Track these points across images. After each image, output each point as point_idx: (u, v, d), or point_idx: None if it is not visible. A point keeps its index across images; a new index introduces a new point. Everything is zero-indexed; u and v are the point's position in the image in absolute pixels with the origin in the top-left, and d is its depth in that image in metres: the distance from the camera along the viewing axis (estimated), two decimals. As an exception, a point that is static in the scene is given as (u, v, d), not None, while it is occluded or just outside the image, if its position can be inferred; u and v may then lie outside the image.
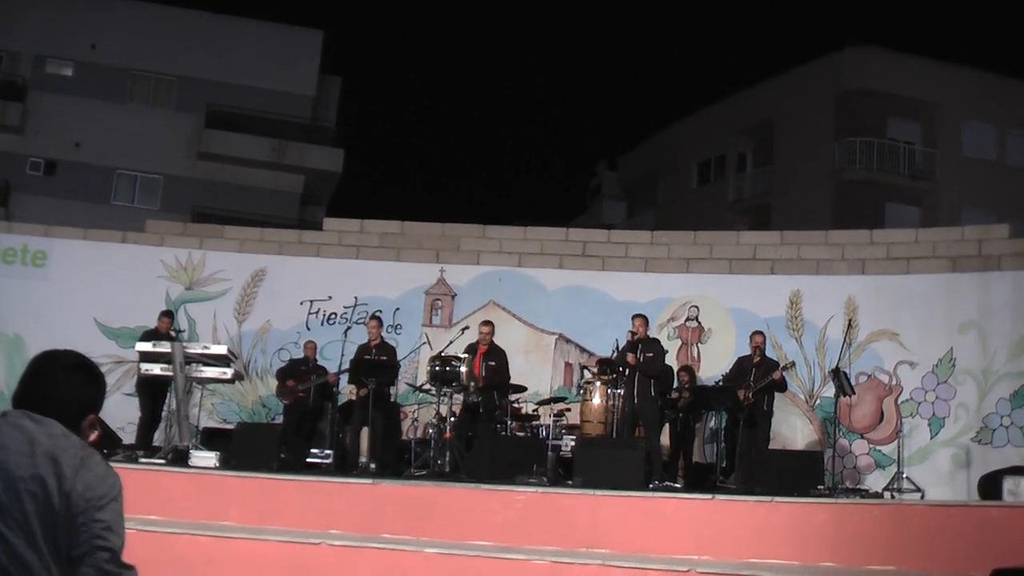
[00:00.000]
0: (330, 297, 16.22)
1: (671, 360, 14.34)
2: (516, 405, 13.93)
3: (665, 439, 13.80)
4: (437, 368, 12.26)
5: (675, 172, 39.29)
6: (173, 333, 13.99)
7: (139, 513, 9.64)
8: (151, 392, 13.58)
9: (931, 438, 14.31)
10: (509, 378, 13.26)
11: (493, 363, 13.03)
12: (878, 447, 14.56)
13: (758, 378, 12.80)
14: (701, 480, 13.18)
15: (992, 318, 14.33)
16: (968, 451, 14.06)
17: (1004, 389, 14.05)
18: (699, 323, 15.63)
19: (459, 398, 12.72)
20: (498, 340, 13.60)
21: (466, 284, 16.20)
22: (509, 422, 13.45)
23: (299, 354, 15.07)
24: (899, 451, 13.60)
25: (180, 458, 11.93)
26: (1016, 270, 14.40)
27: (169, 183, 32.93)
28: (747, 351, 13.55)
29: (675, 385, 13.90)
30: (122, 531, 3.08)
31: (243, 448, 12.12)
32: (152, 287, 16.15)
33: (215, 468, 11.42)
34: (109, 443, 12.86)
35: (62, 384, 3.17)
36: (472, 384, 12.51)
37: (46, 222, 18.03)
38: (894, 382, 14.65)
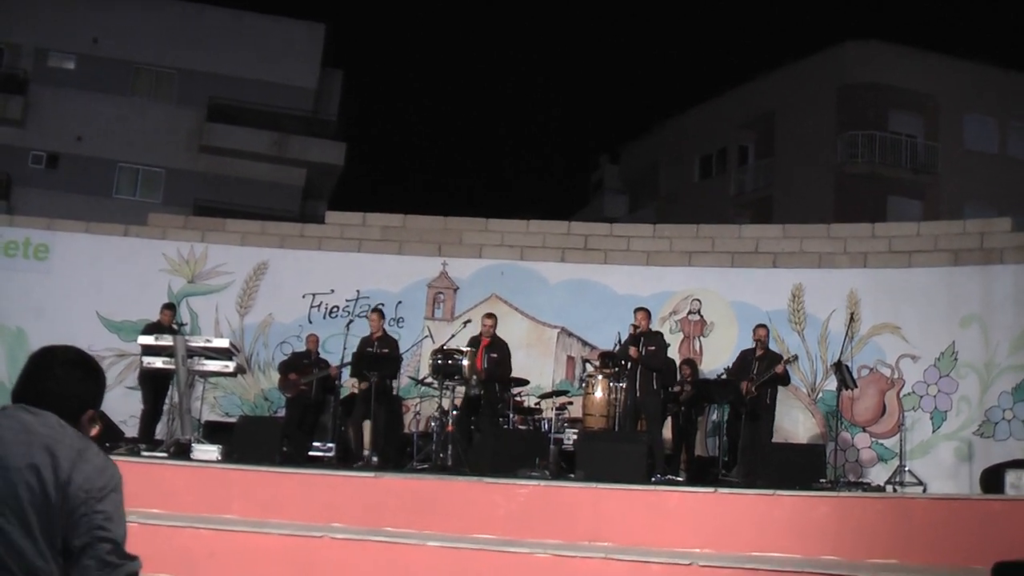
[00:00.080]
0: (332, 290, 16.23)
1: (673, 353, 14.34)
2: (518, 399, 13.95)
3: (667, 432, 13.81)
4: (439, 361, 12.26)
5: (677, 165, 39.29)
6: (175, 326, 14.01)
7: (141, 506, 9.65)
8: (153, 385, 13.59)
9: (933, 432, 14.32)
10: (511, 370, 13.27)
11: (495, 355, 13.04)
12: (880, 440, 14.57)
13: (761, 371, 12.79)
14: (703, 473, 13.20)
15: (994, 311, 14.33)
16: (970, 444, 14.07)
17: (1006, 382, 14.06)
18: (701, 316, 15.63)
19: (461, 391, 12.74)
20: (500, 334, 13.60)
21: (468, 277, 16.20)
22: (511, 415, 13.45)
23: (301, 347, 15.06)
24: (901, 444, 13.60)
25: (182, 451, 11.94)
26: (1018, 263, 14.39)
27: (171, 176, 32.91)
28: (749, 344, 13.55)
29: (677, 379, 13.90)
30: (123, 522, 3.08)
31: (245, 441, 12.13)
32: (154, 280, 16.15)
33: (217, 461, 11.43)
34: (111, 437, 12.88)
35: (61, 380, 3.17)
36: (474, 377, 12.51)
37: (48, 215, 18.04)
38: (896, 375, 14.66)
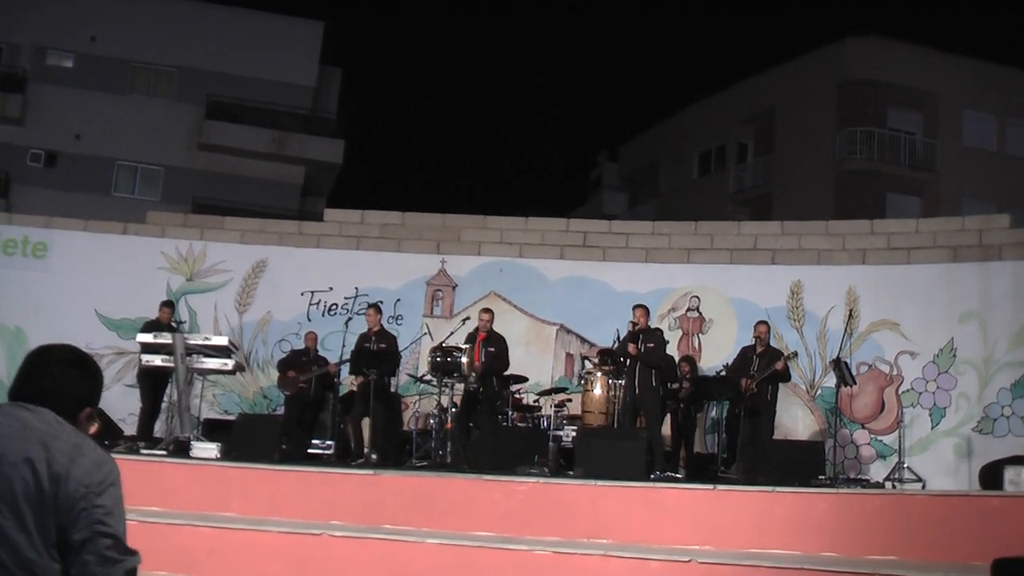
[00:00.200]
0: (331, 288, 16.22)
1: (672, 350, 14.35)
2: (517, 396, 13.95)
3: (666, 429, 13.81)
4: (438, 359, 12.25)
5: (676, 162, 39.28)
6: (174, 324, 14.01)
7: (140, 504, 9.65)
8: (152, 383, 13.58)
9: (932, 428, 14.32)
10: (508, 364, 13.27)
11: (492, 349, 13.04)
12: (879, 437, 14.57)
13: (761, 368, 12.79)
14: (702, 470, 13.20)
15: (993, 308, 14.34)
16: (969, 441, 14.07)
17: (1005, 379, 14.06)
18: (700, 313, 15.63)
19: (460, 389, 12.74)
20: (499, 330, 13.60)
21: (467, 275, 16.20)
22: (510, 413, 13.46)
23: (300, 345, 15.07)
24: (900, 441, 13.61)
25: (181, 449, 11.94)
26: (1017, 260, 14.40)
27: (170, 174, 32.92)
28: (748, 341, 13.55)
29: (676, 376, 13.90)
30: (123, 516, 3.08)
31: (244, 439, 12.13)
32: (153, 278, 16.15)
33: (216, 459, 11.43)
34: (110, 434, 12.90)
35: (58, 379, 3.18)
36: (472, 373, 12.52)
37: (47, 214, 18.03)
38: (895, 372, 14.66)
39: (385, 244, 16.49)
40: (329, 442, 13.40)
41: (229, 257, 16.41)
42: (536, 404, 14.21)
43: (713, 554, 8.98)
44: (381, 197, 60.44)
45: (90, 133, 32.04)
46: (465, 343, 12.76)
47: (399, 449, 13.49)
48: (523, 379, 14.04)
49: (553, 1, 78.01)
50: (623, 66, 78.61)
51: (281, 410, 14.86)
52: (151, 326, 13.71)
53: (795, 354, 13.71)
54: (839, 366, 12.85)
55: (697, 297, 15.64)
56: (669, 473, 12.18)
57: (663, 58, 75.95)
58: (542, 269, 16.09)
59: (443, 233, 16.58)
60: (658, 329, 13.42)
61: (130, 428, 13.94)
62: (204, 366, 12.87)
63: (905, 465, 13.11)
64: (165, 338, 12.76)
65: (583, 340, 15.73)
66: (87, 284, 16.08)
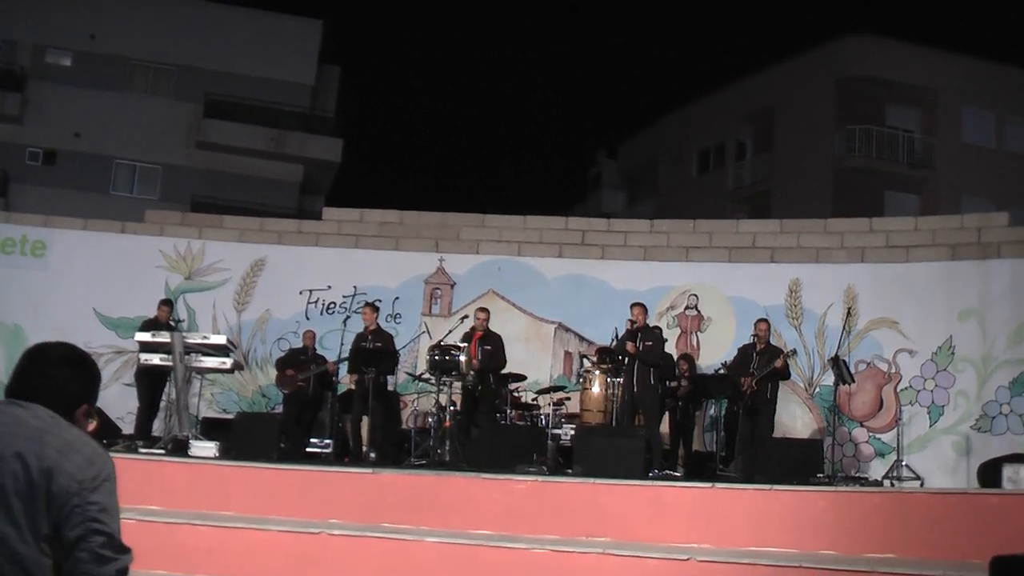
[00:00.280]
0: (329, 286, 16.22)
1: (671, 349, 14.35)
2: (516, 394, 13.95)
3: (665, 428, 13.82)
4: (436, 357, 12.26)
5: (675, 160, 39.27)
6: (172, 323, 14.00)
7: (139, 503, 9.66)
8: (150, 382, 13.57)
9: (930, 426, 14.33)
10: (505, 362, 13.28)
11: (489, 347, 13.05)
12: (878, 435, 14.58)
13: (761, 366, 12.79)
14: (701, 468, 13.20)
15: (991, 306, 14.34)
16: (968, 439, 14.08)
17: (1003, 377, 14.07)
18: (698, 311, 15.63)
19: (459, 387, 12.75)
20: (498, 329, 13.61)
21: (465, 273, 16.19)
22: (509, 411, 13.46)
23: (298, 343, 15.08)
24: (898, 439, 13.61)
25: (180, 448, 11.94)
26: (1015, 258, 14.40)
27: (168, 173, 32.93)
28: (747, 339, 13.56)
29: (675, 374, 13.90)
30: (117, 513, 3.08)
31: (243, 438, 12.13)
32: (151, 277, 16.14)
33: (215, 458, 11.42)
34: (108, 433, 12.88)
35: (52, 377, 3.18)
36: (471, 372, 12.54)
37: (45, 212, 18.05)
38: (893, 370, 14.66)
39: (383, 243, 16.49)
40: (328, 441, 13.39)
41: (227, 256, 16.41)
42: (535, 402, 14.20)
43: (711, 552, 8.98)
44: (380, 196, 60.43)
45: (89, 131, 32.05)
46: (462, 343, 12.77)
47: (398, 448, 13.49)
48: (522, 377, 14.04)
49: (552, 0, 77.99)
50: (622, 64, 78.66)
51: (280, 409, 14.85)
52: (149, 325, 13.71)
53: (794, 352, 13.72)
54: (838, 364, 12.85)
55: (696, 295, 15.64)
56: (667, 471, 12.17)
57: (662, 56, 75.96)
58: (540, 267, 16.09)
59: (442, 231, 16.57)
60: (657, 327, 13.42)
61: (128, 427, 13.93)
62: (202, 365, 12.86)
63: (903, 463, 13.11)
64: (163, 337, 12.76)
65: (582, 338, 15.73)
66: (86, 283, 16.07)
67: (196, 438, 12.21)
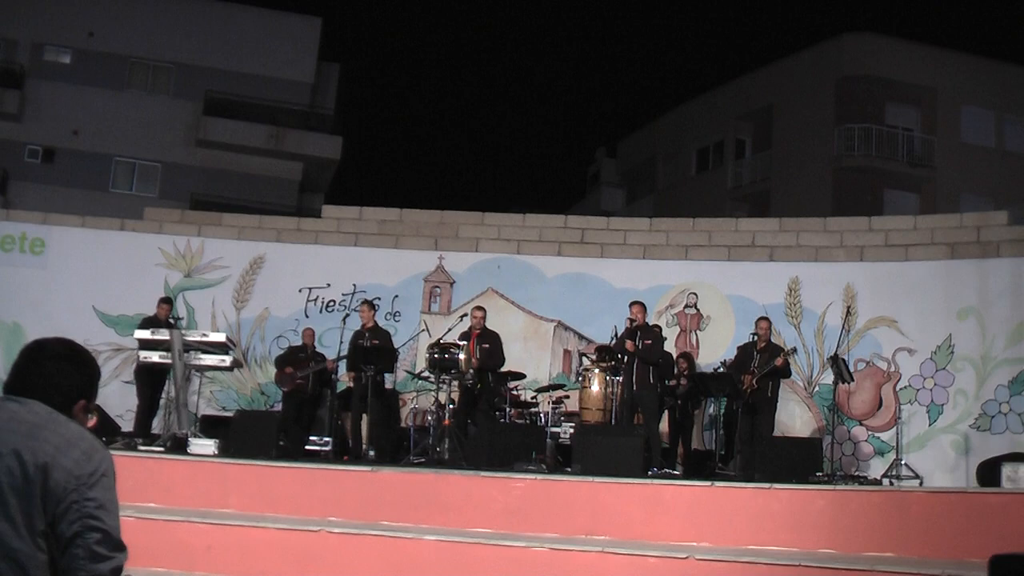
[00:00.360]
0: (329, 284, 16.22)
1: (670, 347, 14.35)
2: (515, 392, 13.95)
3: (664, 426, 13.82)
4: (436, 355, 12.26)
5: (674, 159, 39.25)
6: (172, 321, 13.99)
7: (138, 501, 9.67)
8: (150, 380, 13.58)
9: (930, 425, 14.33)
10: (504, 360, 13.30)
11: (487, 345, 13.06)
12: (877, 434, 14.58)
13: (762, 364, 12.79)
14: (700, 467, 13.20)
15: (991, 305, 14.34)
16: (967, 438, 14.09)
17: (1003, 376, 14.07)
18: (698, 310, 15.63)
19: (458, 385, 12.75)
20: (497, 327, 13.62)
21: (465, 271, 16.20)
22: (508, 409, 13.47)
23: (298, 341, 15.08)
24: (898, 438, 13.62)
25: (179, 446, 11.94)
26: (1014, 257, 14.40)
27: (167, 170, 32.89)
28: (746, 338, 13.56)
29: (674, 372, 13.91)
30: (116, 509, 3.08)
31: (242, 435, 12.13)
32: (151, 274, 16.14)
33: (214, 456, 11.43)
34: (108, 431, 12.90)
35: (49, 372, 3.18)
36: (470, 370, 12.54)
37: (44, 210, 18.03)
38: (893, 369, 14.67)
39: (383, 240, 16.49)
40: (327, 439, 13.37)
41: (227, 253, 16.41)
42: (534, 401, 14.21)
43: (710, 550, 8.98)
44: (379, 193, 60.52)
45: (88, 129, 32.02)
46: (460, 341, 12.77)
47: (397, 446, 13.49)
48: (521, 376, 14.05)
49: (551, -3, 78.00)
50: (621, 62, 78.64)
51: (279, 406, 14.86)
52: (149, 322, 13.71)
53: (794, 350, 13.72)
54: (837, 363, 12.85)
55: (695, 294, 15.64)
56: (667, 470, 12.18)
57: (661, 54, 75.97)
58: (540, 265, 16.09)
59: (441, 229, 16.58)
60: (656, 326, 13.43)
61: (128, 424, 13.94)
62: (202, 362, 12.87)
63: (903, 462, 13.11)
64: (163, 334, 12.76)
65: (581, 337, 15.73)
66: (85, 280, 16.07)
67: (195, 436, 12.22)
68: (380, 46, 75.75)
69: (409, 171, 71.31)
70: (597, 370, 13.06)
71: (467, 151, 79.14)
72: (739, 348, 13.71)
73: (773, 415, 12.97)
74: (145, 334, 12.93)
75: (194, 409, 14.04)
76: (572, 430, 13.05)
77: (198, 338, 12.92)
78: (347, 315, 14.38)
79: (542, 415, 13.65)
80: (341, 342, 13.51)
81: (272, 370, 15.06)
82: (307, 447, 13.31)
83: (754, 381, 12.67)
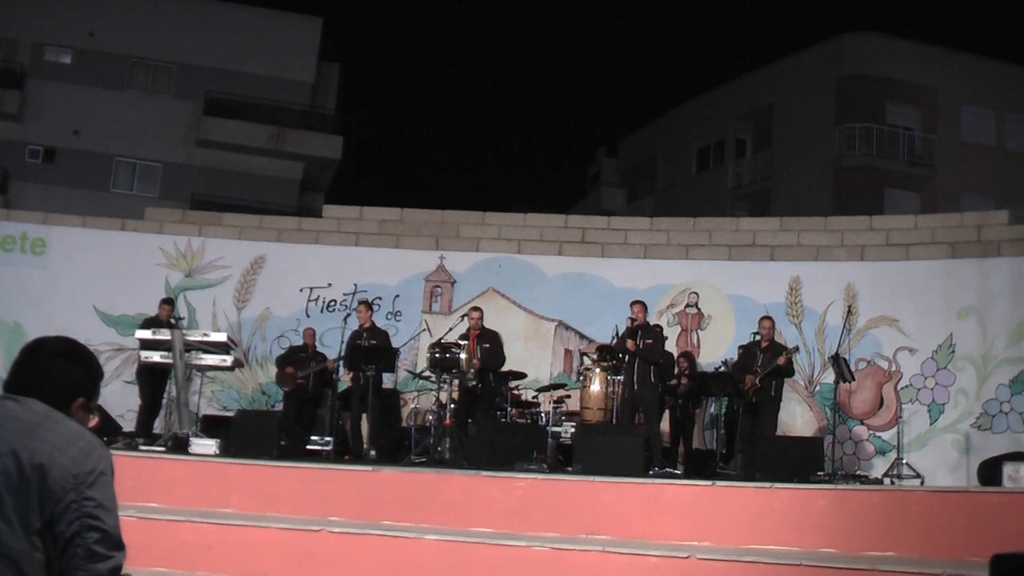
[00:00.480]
0: (329, 284, 16.22)
1: (671, 346, 14.35)
2: (516, 392, 13.95)
3: (665, 425, 13.82)
4: (437, 355, 12.26)
5: (674, 158, 39.25)
6: (173, 321, 13.99)
7: (139, 501, 9.66)
8: (151, 380, 13.59)
9: (931, 424, 14.33)
10: (504, 359, 13.32)
11: (487, 345, 13.07)
12: (878, 433, 14.58)
13: (765, 363, 12.78)
14: (701, 466, 13.19)
15: (991, 304, 14.34)
16: (968, 437, 14.08)
17: (1003, 375, 14.07)
18: (699, 309, 15.63)
19: (458, 385, 12.75)
20: (498, 327, 13.64)
21: (465, 271, 16.20)
22: (509, 409, 13.47)
23: (299, 341, 15.08)
24: (899, 437, 13.63)
25: (180, 446, 11.95)
26: (1015, 256, 14.40)
27: (168, 170, 32.90)
28: (747, 337, 13.56)
29: (675, 371, 13.90)
30: (114, 508, 3.07)
31: (243, 435, 12.12)
32: (151, 274, 16.14)
33: (215, 455, 11.43)
34: (109, 431, 12.90)
35: (47, 369, 3.18)
36: (471, 370, 12.55)
37: (45, 210, 18.03)
38: (894, 368, 14.67)
39: (384, 240, 16.49)
40: (328, 438, 13.38)
41: (227, 253, 16.41)
42: (535, 400, 14.22)
43: (711, 550, 8.98)
44: (379, 193, 60.50)
45: (88, 129, 32.03)
46: (461, 341, 12.77)
47: (397, 445, 13.49)
48: (522, 375, 14.06)
49: (552, -3, 77.95)
50: (622, 62, 78.61)
51: (280, 406, 14.86)
52: (150, 323, 13.72)
53: (797, 349, 13.72)
54: (838, 362, 12.85)
55: (696, 293, 15.64)
56: (668, 469, 12.18)
57: (662, 54, 75.96)
58: (541, 265, 16.09)
59: (442, 229, 16.57)
60: (657, 325, 13.44)
61: (129, 424, 13.95)
62: (203, 362, 12.88)
63: (904, 461, 13.12)
64: (164, 334, 12.77)
65: (582, 336, 15.73)
66: (86, 280, 16.07)
67: (196, 435, 12.22)
68: (380, 46, 75.80)
69: (410, 171, 71.31)
70: (598, 370, 13.04)
71: (468, 151, 79.17)
72: (741, 348, 13.71)
73: (776, 414, 12.95)
74: (146, 334, 12.94)
75: (195, 409, 14.05)
76: (573, 430, 13.05)
77: (199, 338, 12.93)
78: (348, 315, 14.37)
79: (543, 415, 13.64)
80: (342, 342, 13.50)
81: (273, 370, 15.06)
82: (308, 447, 13.33)
83: (757, 380, 12.65)
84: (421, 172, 71.52)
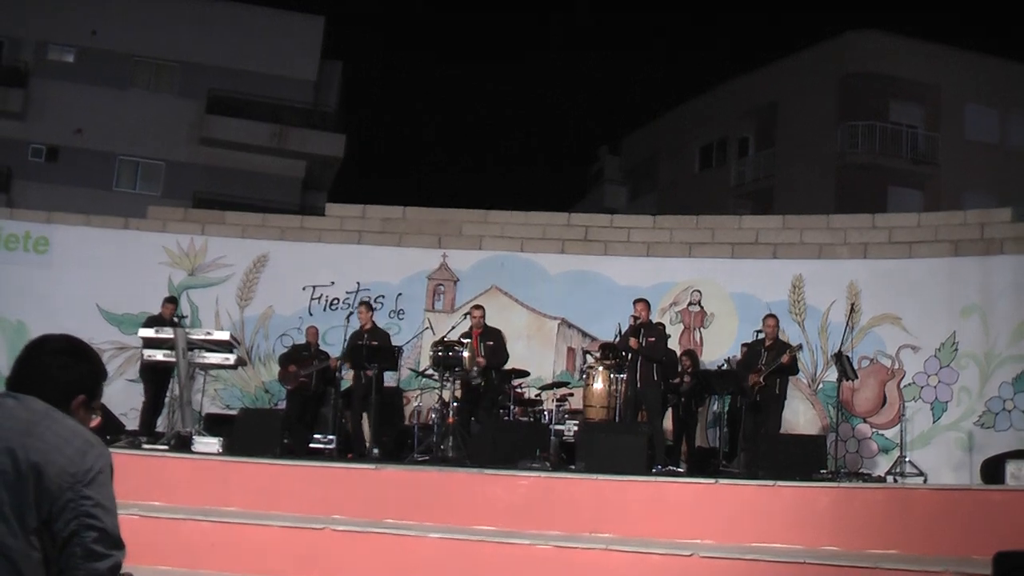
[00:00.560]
0: (332, 282, 16.23)
1: (673, 344, 14.34)
2: (519, 390, 13.96)
3: (668, 424, 13.82)
4: (440, 353, 12.27)
5: (677, 156, 39.22)
6: (176, 319, 14.00)
7: (142, 499, 9.66)
8: (154, 378, 13.60)
9: (934, 422, 14.32)
10: (508, 357, 13.32)
11: (491, 343, 13.07)
12: (881, 431, 14.58)
13: (769, 362, 12.77)
14: (704, 464, 13.19)
15: (994, 302, 14.33)
16: (971, 435, 14.07)
17: (1006, 373, 14.07)
18: (701, 308, 15.62)
19: (461, 383, 12.75)
20: (501, 325, 13.64)
21: (468, 269, 16.20)
22: (512, 407, 13.47)
23: (301, 339, 15.07)
24: (902, 435, 13.62)
25: (183, 444, 11.95)
26: (1018, 254, 14.39)
27: (171, 169, 32.91)
28: (749, 335, 13.56)
29: (678, 370, 13.90)
30: (113, 507, 3.06)
31: (246, 434, 12.13)
32: (154, 273, 16.15)
33: (218, 454, 11.44)
34: (112, 429, 12.90)
35: (47, 367, 3.16)
36: (474, 368, 12.54)
37: (48, 208, 18.02)
38: (896, 366, 14.66)
39: (386, 239, 16.49)
40: (331, 437, 13.40)
41: (230, 252, 16.41)
42: (538, 398, 14.22)
43: (714, 548, 8.98)
44: (382, 191, 60.46)
45: (91, 128, 32.03)
46: (463, 339, 12.77)
47: (400, 444, 13.50)
48: (525, 373, 14.05)
49: (554, -5, 77.95)
50: (624, 60, 78.57)
51: (283, 405, 14.87)
52: (153, 321, 13.73)
53: (801, 347, 13.72)
54: (841, 360, 12.85)
55: (698, 291, 15.64)
56: (670, 467, 12.18)
57: (664, 52, 75.91)
58: (543, 263, 16.09)
59: (444, 227, 16.57)
60: (659, 323, 13.44)
61: (132, 423, 13.96)
62: (206, 361, 12.89)
63: (907, 459, 13.11)
64: (167, 333, 12.79)
65: (584, 334, 15.73)
66: (88, 279, 16.08)
67: (199, 434, 12.21)
68: (383, 44, 75.80)
69: (412, 169, 71.31)
70: (601, 368, 13.05)
71: (470, 149, 79.16)
72: (745, 346, 13.71)
73: (781, 413, 12.92)
74: (149, 332, 12.95)
75: (198, 407, 14.04)
76: (576, 428, 13.06)
77: (202, 336, 12.95)
78: (351, 313, 14.38)
79: (546, 413, 13.66)
80: (345, 340, 13.52)
81: (276, 368, 15.05)
82: (311, 445, 13.35)
83: (761, 379, 12.64)
84: (423, 170, 71.54)
